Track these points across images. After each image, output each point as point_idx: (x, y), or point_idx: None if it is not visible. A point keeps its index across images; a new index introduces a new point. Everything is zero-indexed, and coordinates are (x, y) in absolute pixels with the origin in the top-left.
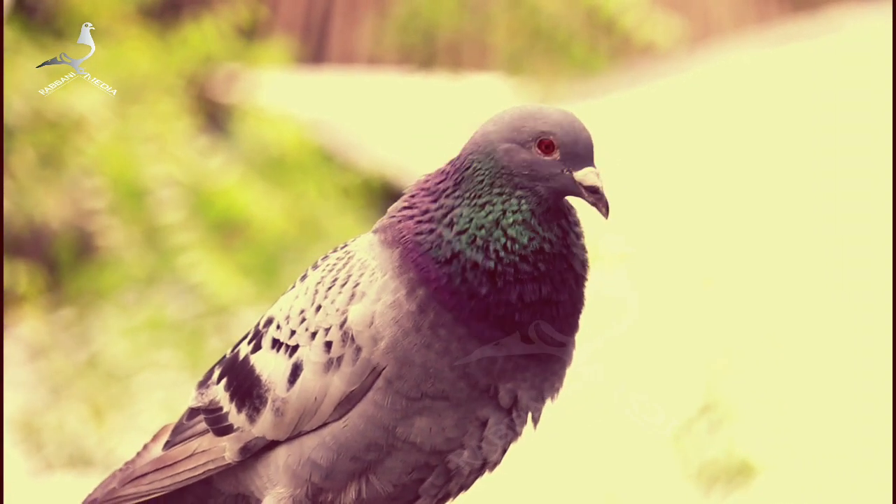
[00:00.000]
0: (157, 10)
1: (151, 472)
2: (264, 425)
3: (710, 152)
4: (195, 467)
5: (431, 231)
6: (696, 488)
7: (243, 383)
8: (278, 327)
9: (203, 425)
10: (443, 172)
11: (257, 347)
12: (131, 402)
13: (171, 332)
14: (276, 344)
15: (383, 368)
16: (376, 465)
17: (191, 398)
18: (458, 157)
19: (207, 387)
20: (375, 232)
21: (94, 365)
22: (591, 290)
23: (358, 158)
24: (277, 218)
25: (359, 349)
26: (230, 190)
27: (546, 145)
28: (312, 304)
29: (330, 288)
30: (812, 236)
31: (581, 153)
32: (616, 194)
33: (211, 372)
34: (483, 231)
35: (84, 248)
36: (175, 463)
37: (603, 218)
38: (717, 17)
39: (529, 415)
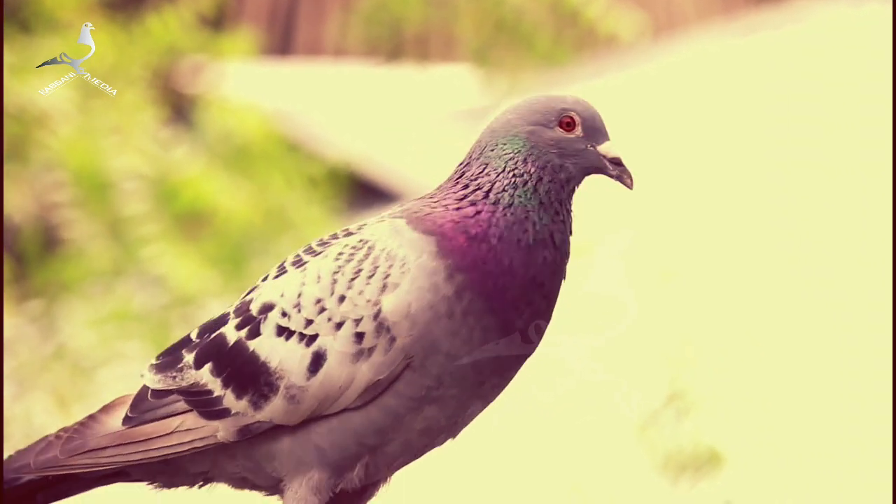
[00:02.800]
0: (119, 1)
1: (112, 446)
2: (274, 411)
3: (675, 143)
4: (178, 444)
5: (477, 213)
6: (664, 478)
7: (242, 370)
8: (284, 314)
9: (183, 405)
10: (460, 164)
11: (255, 334)
12: (97, 393)
13: (136, 324)
14: (284, 331)
15: (412, 357)
16: (376, 449)
17: (150, 380)
18: (476, 147)
19: (180, 370)
20: (399, 218)
21: (60, 356)
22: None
23: (324, 149)
24: (243, 208)
25: (393, 339)
26: (195, 180)
27: (568, 122)
28: (332, 293)
29: (353, 279)
30: (776, 226)
31: (599, 128)
32: (582, 190)
33: (176, 356)
34: (522, 199)
35: (50, 240)
36: (148, 439)
37: (628, 189)
38: (681, 8)
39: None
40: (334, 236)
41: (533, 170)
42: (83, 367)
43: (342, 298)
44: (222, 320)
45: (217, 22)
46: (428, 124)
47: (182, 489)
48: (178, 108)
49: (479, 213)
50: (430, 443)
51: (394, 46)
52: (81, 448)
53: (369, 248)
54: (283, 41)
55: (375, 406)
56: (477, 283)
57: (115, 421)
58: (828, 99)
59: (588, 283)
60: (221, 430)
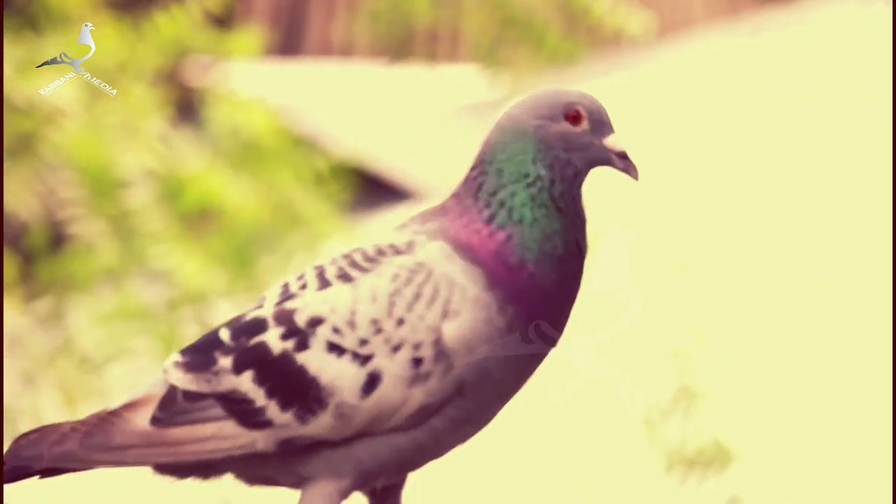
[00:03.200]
0: None
1: (140, 445)
2: (321, 427)
3: (682, 140)
4: (213, 450)
5: (509, 238)
6: (671, 475)
7: (288, 382)
8: (336, 331)
9: (220, 411)
10: (474, 169)
11: (303, 347)
12: (104, 390)
13: (144, 321)
14: (336, 348)
15: (464, 385)
16: (410, 463)
17: (178, 379)
18: (487, 149)
19: (216, 374)
20: (442, 241)
21: (67, 352)
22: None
23: (332, 145)
24: (250, 205)
25: (451, 366)
26: (202, 177)
27: (573, 116)
28: (390, 315)
29: (413, 302)
30: (782, 222)
31: (605, 122)
32: (587, 182)
33: (209, 357)
34: (544, 210)
35: (57, 237)
36: (180, 443)
37: (634, 182)
38: (688, 8)
39: None
40: (380, 252)
41: (544, 172)
42: (90, 363)
43: (401, 321)
44: (260, 326)
45: (225, 20)
46: (435, 121)
47: (189, 480)
48: (186, 105)
49: (510, 238)
50: (452, 449)
51: (401, 45)
52: (105, 444)
53: (428, 272)
54: (291, 40)
55: (421, 427)
56: (524, 314)
57: (141, 419)
58: (834, 98)
59: (593, 278)
60: (261, 441)
